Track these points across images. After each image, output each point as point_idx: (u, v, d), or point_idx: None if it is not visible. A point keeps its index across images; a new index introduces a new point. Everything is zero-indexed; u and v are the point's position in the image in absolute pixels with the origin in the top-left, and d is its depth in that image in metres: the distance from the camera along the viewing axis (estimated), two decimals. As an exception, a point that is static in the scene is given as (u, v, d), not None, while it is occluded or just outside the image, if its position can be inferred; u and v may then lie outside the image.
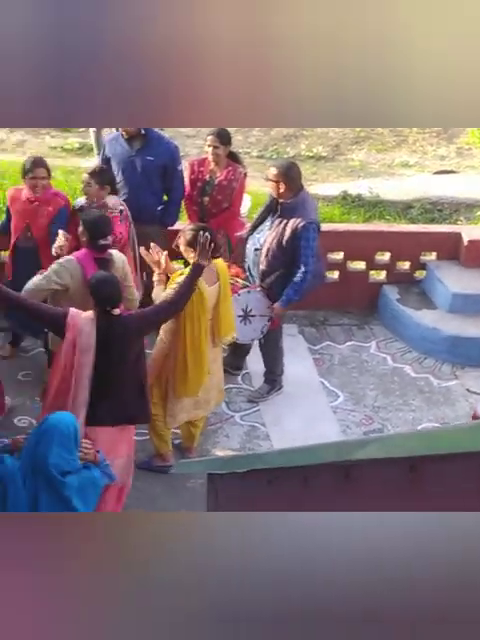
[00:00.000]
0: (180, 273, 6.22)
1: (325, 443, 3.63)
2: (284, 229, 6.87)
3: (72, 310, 5.65)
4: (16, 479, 4.54)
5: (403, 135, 13.54)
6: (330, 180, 12.05)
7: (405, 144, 13.37)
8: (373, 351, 8.25)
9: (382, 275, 8.82)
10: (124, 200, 7.26)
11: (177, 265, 7.07)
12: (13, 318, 7.27)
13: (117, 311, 5.59)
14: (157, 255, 6.30)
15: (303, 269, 6.90)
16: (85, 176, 6.99)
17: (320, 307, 8.50)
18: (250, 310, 7.03)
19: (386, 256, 8.73)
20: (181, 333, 6.19)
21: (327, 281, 8.11)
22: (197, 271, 5.95)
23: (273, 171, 6.91)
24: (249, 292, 7.04)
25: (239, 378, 7.76)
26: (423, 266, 8.77)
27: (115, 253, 6.34)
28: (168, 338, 6.30)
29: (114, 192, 7.09)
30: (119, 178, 7.48)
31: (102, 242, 6.13)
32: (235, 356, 7.76)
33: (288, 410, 7.42)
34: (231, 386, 7.63)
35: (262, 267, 7.05)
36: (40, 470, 4.53)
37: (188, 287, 5.94)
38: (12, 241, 7.10)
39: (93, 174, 6.95)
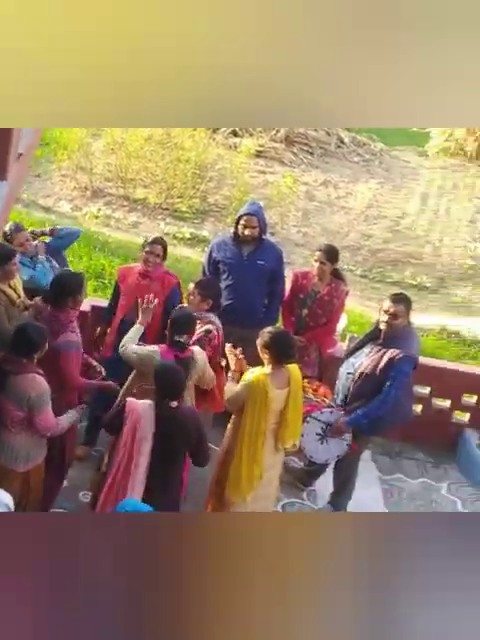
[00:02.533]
0: (250, 371, 6.32)
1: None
2: (382, 357, 6.84)
3: (130, 399, 5.82)
4: None
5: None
6: (429, 312, 12.04)
7: (513, 288, 13.30)
8: (444, 492, 8.08)
9: (466, 417, 8.69)
10: (230, 304, 7.40)
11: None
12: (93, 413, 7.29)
13: (174, 403, 5.69)
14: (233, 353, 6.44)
15: (383, 398, 6.82)
16: (191, 286, 6.96)
17: (397, 438, 8.40)
18: (329, 430, 6.99)
19: (473, 398, 8.62)
20: (240, 431, 6.22)
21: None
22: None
23: (396, 305, 6.84)
24: (332, 413, 7.01)
25: (304, 494, 7.67)
26: (510, 416, 8.63)
27: (197, 351, 6.42)
28: (230, 434, 6.36)
29: (215, 307, 7.01)
30: (227, 282, 7.61)
31: (178, 338, 6.25)
32: (308, 473, 7.69)
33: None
34: (294, 501, 7.56)
35: (351, 391, 7.02)
36: None
37: None
38: (119, 317, 7.23)
39: (199, 285, 6.95)
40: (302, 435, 6.77)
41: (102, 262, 11.14)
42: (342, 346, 8.04)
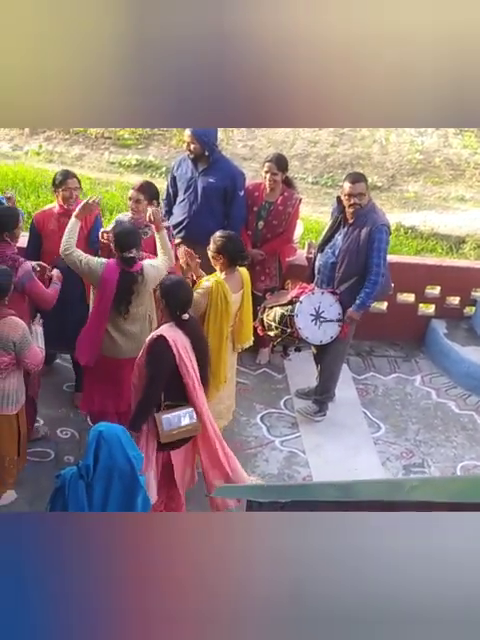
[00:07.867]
0: (206, 279, 6.42)
1: (371, 480, 3.57)
2: (359, 234, 6.99)
3: (159, 334, 5.71)
4: (77, 488, 4.66)
5: (460, 169, 13.49)
6: (384, 211, 12.02)
7: (462, 178, 13.31)
8: (418, 385, 8.20)
9: (431, 309, 8.78)
10: (183, 220, 7.40)
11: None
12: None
13: (186, 316, 5.73)
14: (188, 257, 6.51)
15: (375, 271, 7.00)
16: (132, 191, 6.87)
17: (367, 337, 8.48)
18: (322, 312, 7.08)
19: (436, 290, 8.69)
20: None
21: (376, 311, 8.18)
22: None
23: (357, 184, 6.97)
24: (323, 294, 7.10)
25: (281, 403, 7.74)
26: (473, 302, 8.72)
27: (147, 265, 6.33)
28: None
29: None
30: (181, 198, 7.56)
31: (127, 254, 6.18)
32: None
33: (329, 438, 7.39)
34: (273, 411, 7.64)
35: (338, 276, 7.11)
36: (122, 473, 4.68)
37: None
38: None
39: (141, 189, 6.85)
40: (296, 315, 7.00)
41: (50, 199, 10.94)
42: (302, 254, 8.05)
